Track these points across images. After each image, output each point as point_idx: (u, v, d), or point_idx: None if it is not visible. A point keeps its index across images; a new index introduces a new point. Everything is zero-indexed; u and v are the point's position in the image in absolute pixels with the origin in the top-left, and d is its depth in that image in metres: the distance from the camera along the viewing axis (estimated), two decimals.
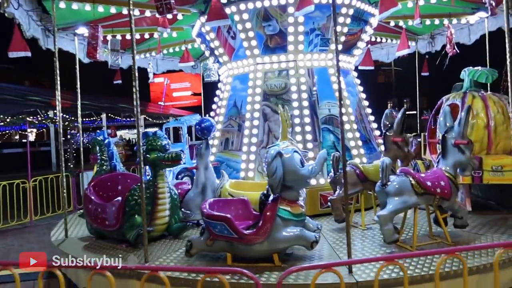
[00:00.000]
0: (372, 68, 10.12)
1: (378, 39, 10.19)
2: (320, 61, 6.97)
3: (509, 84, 4.96)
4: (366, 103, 7.75)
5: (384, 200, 4.58)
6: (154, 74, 10.56)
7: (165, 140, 5.10)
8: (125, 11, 6.45)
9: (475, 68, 6.54)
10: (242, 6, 6.62)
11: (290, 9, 6.43)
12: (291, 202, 4.20)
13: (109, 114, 28.15)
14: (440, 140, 4.93)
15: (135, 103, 4.26)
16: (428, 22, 8.45)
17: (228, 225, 4.03)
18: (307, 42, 6.86)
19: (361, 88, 7.79)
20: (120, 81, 9.53)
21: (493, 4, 6.42)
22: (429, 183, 4.53)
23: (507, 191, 6.04)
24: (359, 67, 9.84)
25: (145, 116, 29.80)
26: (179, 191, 5.90)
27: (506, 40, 4.78)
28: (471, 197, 6.20)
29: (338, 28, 6.94)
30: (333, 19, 4.45)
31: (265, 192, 4.39)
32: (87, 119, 27.13)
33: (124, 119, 30.45)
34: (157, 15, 5.24)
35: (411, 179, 4.50)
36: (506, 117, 6.02)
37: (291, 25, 6.66)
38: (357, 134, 6.83)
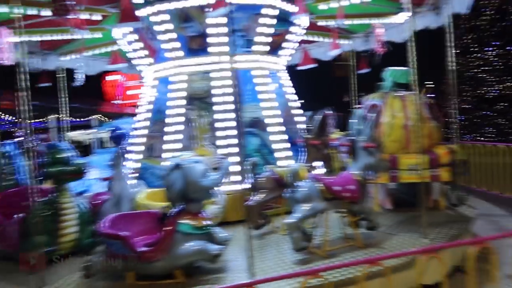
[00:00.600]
0: (315, 65, 10.12)
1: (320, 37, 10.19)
2: (244, 63, 6.85)
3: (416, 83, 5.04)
4: (296, 104, 7.72)
5: (294, 207, 4.54)
6: (85, 75, 10.10)
7: (68, 153, 4.81)
8: (32, 11, 6.05)
9: (395, 68, 6.64)
10: (160, 7, 6.38)
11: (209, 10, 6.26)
12: (194, 215, 4.06)
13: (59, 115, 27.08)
14: (351, 143, 4.94)
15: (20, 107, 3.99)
16: (356, 21, 8.52)
17: (124, 243, 3.84)
18: (230, 44, 6.71)
19: (291, 90, 7.75)
20: (47, 84, 9.12)
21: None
22: (337, 188, 4.52)
23: (425, 189, 6.16)
24: (299, 67, 9.86)
25: (99, 115, 28.80)
26: (97, 201, 5.63)
27: (410, 48, 4.83)
28: (391, 196, 6.31)
29: (263, 29, 6.85)
30: (228, 25, 4.31)
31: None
32: (34, 120, 25.96)
33: (77, 119, 29.36)
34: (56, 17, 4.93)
35: (319, 184, 4.47)
36: (422, 116, 6.14)
37: (212, 26, 6.50)
38: (284, 137, 6.78)
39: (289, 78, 8.03)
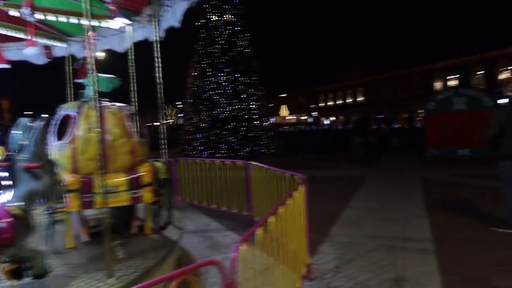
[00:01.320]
0: (8, 66, 8.27)
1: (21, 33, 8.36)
2: None
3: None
4: None
5: None
6: None
7: None
8: None
9: (98, 74, 5.75)
10: None
11: None
12: None
13: None
14: (9, 163, 3.66)
15: None
16: (61, 18, 7.24)
17: None
18: None
19: None
20: None
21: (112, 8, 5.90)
22: None
23: (126, 213, 5.46)
24: None
25: None
26: None
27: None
28: (87, 226, 5.31)
29: None
30: None
31: None
32: None
33: None
34: None
35: None
36: (125, 130, 5.44)
37: None
38: None
39: None
